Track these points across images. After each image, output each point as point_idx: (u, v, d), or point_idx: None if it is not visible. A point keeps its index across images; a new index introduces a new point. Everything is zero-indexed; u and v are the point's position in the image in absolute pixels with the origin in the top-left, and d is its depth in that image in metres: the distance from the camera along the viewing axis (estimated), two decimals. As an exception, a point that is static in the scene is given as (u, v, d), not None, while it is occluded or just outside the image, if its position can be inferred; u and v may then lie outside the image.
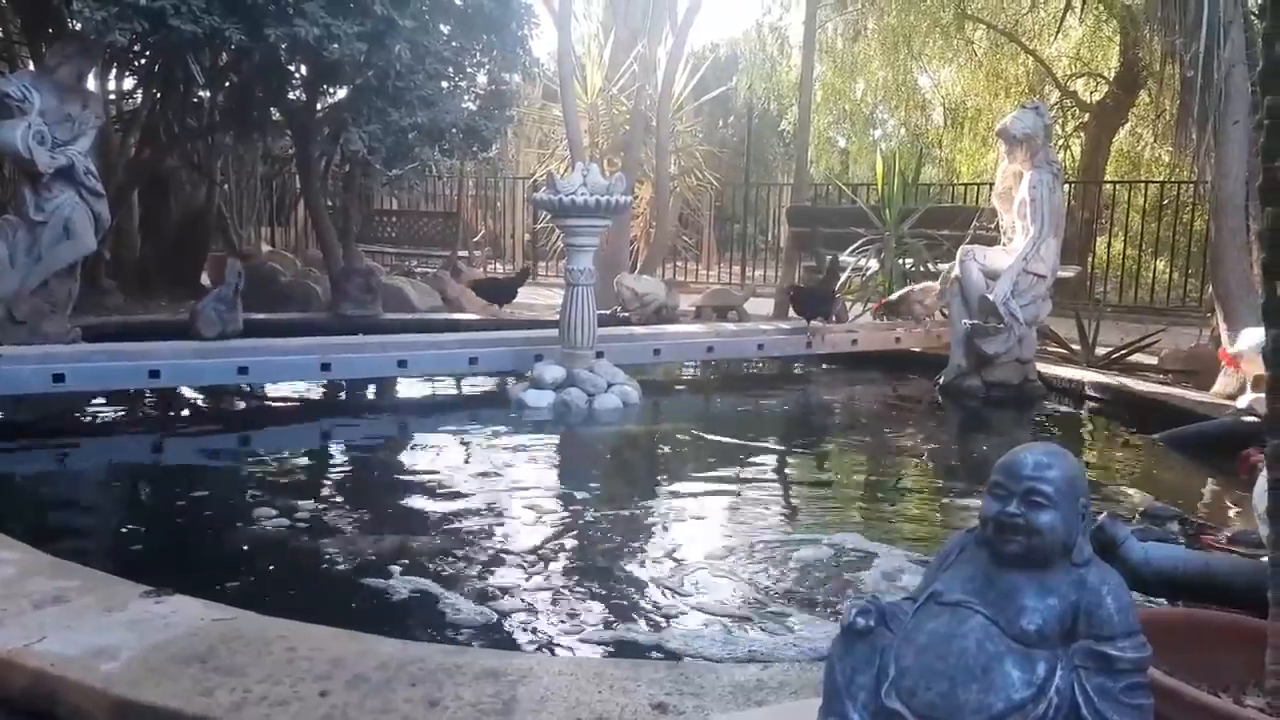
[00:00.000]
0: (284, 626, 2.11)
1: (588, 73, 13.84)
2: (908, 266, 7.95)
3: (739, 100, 16.87)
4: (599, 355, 5.67)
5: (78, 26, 6.47)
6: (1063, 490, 1.32)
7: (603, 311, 6.26)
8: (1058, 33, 12.59)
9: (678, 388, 6.94)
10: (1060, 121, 13.10)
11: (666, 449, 5.10)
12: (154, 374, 5.00)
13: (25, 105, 5.68)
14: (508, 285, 8.44)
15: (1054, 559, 1.32)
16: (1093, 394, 6.00)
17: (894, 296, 7.15)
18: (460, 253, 12.53)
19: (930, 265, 7.75)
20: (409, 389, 6.24)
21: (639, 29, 13.34)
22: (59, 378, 4.82)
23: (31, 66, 7.56)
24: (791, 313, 7.33)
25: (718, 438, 5.23)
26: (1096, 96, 13.32)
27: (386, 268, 11.38)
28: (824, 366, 7.27)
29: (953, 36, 13.39)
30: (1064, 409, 6.03)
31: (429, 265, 11.97)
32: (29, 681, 1.90)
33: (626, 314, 7.82)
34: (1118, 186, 12.63)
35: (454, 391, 6.27)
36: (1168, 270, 11.58)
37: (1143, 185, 12.10)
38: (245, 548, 3.23)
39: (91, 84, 7.19)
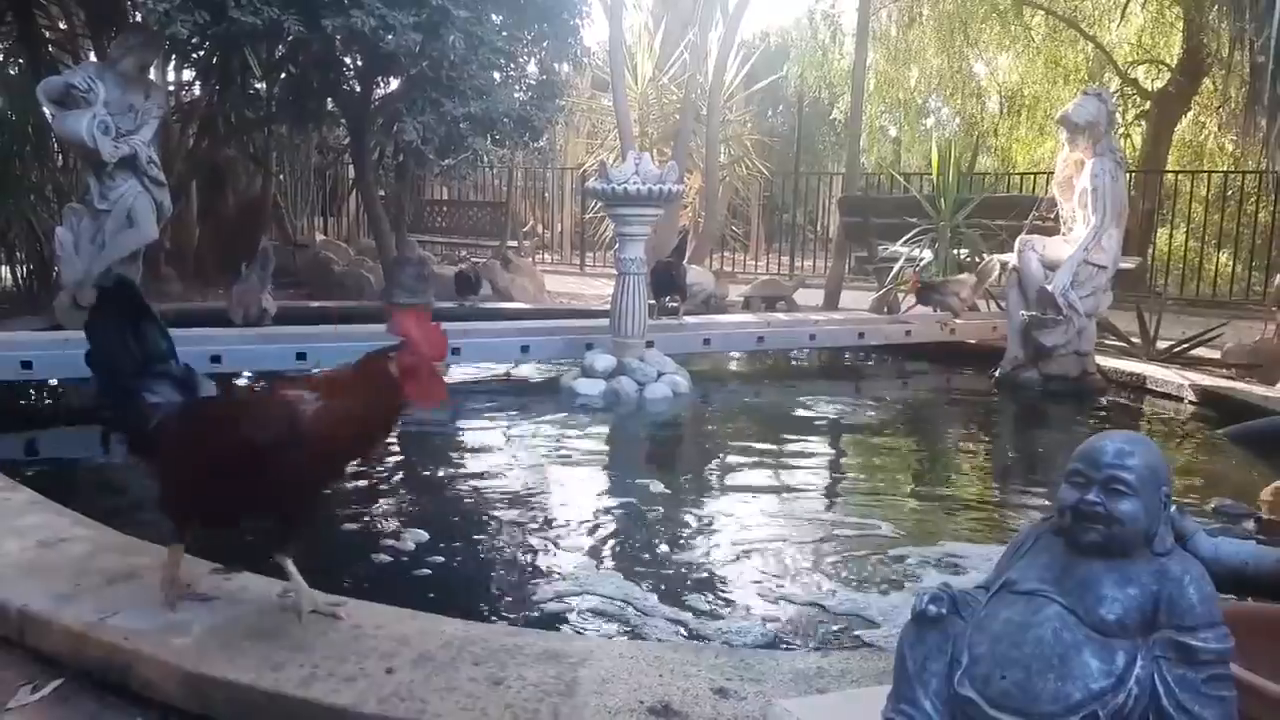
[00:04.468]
0: (348, 605, 2.14)
1: (638, 62, 13.84)
2: (963, 257, 7.84)
3: (790, 89, 16.74)
4: (649, 344, 5.67)
5: (140, 18, 6.60)
6: (1144, 478, 1.29)
7: (651, 302, 6.25)
8: (1120, 19, 12.33)
9: (727, 378, 6.91)
10: (1121, 110, 12.81)
11: (717, 438, 5.09)
12: (215, 359, 5.08)
13: (90, 96, 5.79)
14: None
15: (1134, 548, 1.30)
16: (1154, 388, 5.87)
17: (932, 280, 7.05)
18: (509, 243, 12.61)
19: (985, 256, 7.63)
20: (460, 375, 6.28)
21: (690, 18, 13.30)
22: (124, 362, 4.93)
23: (95, 58, 7.75)
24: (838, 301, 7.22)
25: (768, 428, 5.20)
26: (1158, 84, 13.01)
27: (437, 257, 11.50)
28: (873, 359, 7.21)
29: (1010, 23, 13.17)
30: (1124, 402, 5.90)
31: (478, 255, 12.07)
32: (104, 654, 1.95)
33: (675, 304, 7.79)
34: (1179, 176, 12.33)
35: (505, 379, 6.31)
36: (1230, 262, 11.30)
37: (1205, 175, 11.80)
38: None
39: (153, 75, 7.33)
